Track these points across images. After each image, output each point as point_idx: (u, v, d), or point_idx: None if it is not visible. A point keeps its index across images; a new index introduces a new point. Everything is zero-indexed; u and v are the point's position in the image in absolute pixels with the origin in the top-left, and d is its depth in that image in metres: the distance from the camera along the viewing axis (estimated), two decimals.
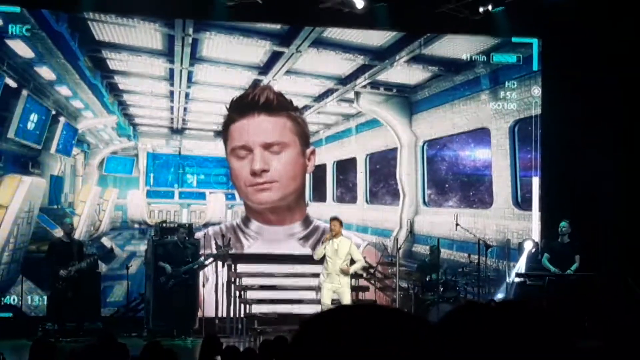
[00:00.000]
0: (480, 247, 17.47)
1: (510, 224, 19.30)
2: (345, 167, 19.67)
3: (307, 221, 18.85)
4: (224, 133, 18.55)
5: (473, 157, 19.89)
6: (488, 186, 19.65)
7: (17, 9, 17.34)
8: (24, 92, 17.43)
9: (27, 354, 8.87)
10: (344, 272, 15.44)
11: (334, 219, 15.93)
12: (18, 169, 17.48)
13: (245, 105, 18.20)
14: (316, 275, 16.07)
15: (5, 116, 17.34)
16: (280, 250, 18.45)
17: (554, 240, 17.31)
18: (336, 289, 15.52)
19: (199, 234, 18.00)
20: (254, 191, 18.29)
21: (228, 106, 18.37)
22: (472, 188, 19.78)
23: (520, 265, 18.26)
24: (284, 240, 18.60)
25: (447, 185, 19.79)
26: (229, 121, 18.32)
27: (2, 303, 17.11)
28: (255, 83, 18.72)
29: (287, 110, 18.53)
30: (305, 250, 18.00)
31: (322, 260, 15.73)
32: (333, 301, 15.52)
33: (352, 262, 15.64)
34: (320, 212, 18.86)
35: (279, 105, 18.35)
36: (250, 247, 18.52)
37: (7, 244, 17.22)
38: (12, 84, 17.32)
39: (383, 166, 19.84)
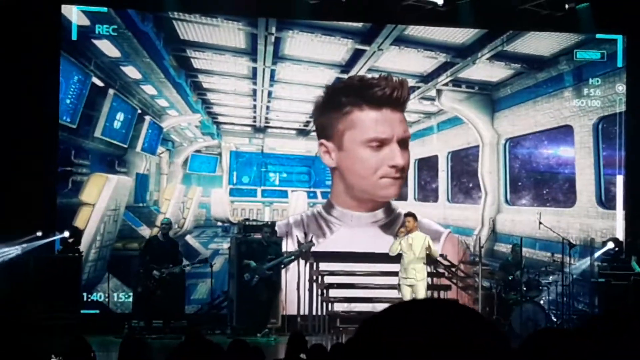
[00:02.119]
0: (564, 246, 17.31)
1: (594, 222, 19.09)
2: (427, 166, 19.59)
3: (389, 209, 18.74)
4: (336, 122, 18.30)
5: (556, 155, 19.69)
6: (571, 184, 19.44)
7: (104, 9, 17.63)
8: (111, 92, 17.71)
9: (114, 350, 8.99)
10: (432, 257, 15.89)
11: (408, 214, 16.03)
12: (105, 167, 17.76)
13: (381, 97, 18.08)
14: (397, 273, 16.11)
15: (92, 115, 17.64)
16: (362, 237, 18.37)
17: (638, 240, 17.09)
18: (411, 283, 15.59)
19: (280, 223, 18.10)
20: (387, 184, 18.19)
21: (340, 89, 18.40)
22: (555, 186, 19.60)
23: (584, 263, 18.17)
24: (366, 227, 18.52)
25: (529, 184, 19.62)
26: (351, 109, 18.19)
27: (90, 300, 17.37)
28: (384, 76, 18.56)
29: (408, 93, 18.58)
30: (387, 238, 17.84)
31: (399, 258, 15.81)
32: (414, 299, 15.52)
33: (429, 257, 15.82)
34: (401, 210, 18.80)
35: (406, 98, 18.40)
36: (333, 234, 18.49)
37: (94, 242, 17.51)
38: (99, 83, 17.63)
39: (465, 164, 19.73)
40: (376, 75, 18.79)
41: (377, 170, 18.12)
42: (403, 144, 18.30)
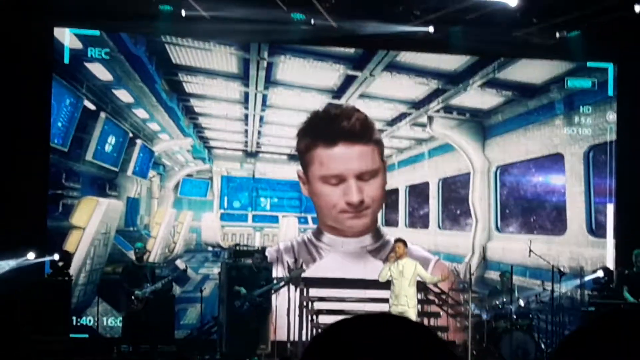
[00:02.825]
0: (554, 275, 17.28)
1: (584, 251, 19.10)
2: (418, 192, 19.60)
3: (378, 234, 18.78)
4: (304, 156, 18.53)
5: (547, 182, 19.72)
6: (562, 212, 19.47)
7: (97, 32, 17.66)
8: (102, 115, 17.72)
9: None
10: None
11: (398, 240, 16.01)
12: (95, 190, 17.73)
13: (333, 132, 18.22)
14: (387, 300, 16.08)
15: (83, 138, 17.63)
16: (352, 262, 18.39)
17: (629, 270, 17.06)
18: (403, 310, 15.52)
19: (270, 249, 18.08)
20: (347, 218, 18.33)
21: (305, 127, 18.42)
22: (546, 214, 19.62)
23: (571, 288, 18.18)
24: (355, 253, 18.54)
25: (520, 211, 19.64)
26: (311, 145, 18.28)
27: (79, 324, 17.29)
28: (333, 106, 18.67)
29: (373, 132, 18.55)
30: (377, 264, 17.83)
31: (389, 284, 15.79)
32: None
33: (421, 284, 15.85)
34: (392, 236, 18.80)
35: (365, 129, 18.40)
36: (322, 260, 18.48)
37: (83, 265, 17.46)
38: (91, 106, 17.63)
39: (455, 191, 19.75)
40: (368, 101, 18.87)
41: (336, 206, 18.32)
42: (364, 177, 18.33)
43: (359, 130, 18.30)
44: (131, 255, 17.30)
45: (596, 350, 1.51)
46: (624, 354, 1.47)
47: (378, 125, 19.04)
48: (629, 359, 1.47)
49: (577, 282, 18.25)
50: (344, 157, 18.18)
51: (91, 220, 17.50)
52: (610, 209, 19.09)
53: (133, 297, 16.02)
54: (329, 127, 18.30)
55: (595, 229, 19.25)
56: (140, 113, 18.15)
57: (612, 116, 19.16)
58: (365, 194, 18.26)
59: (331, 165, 18.16)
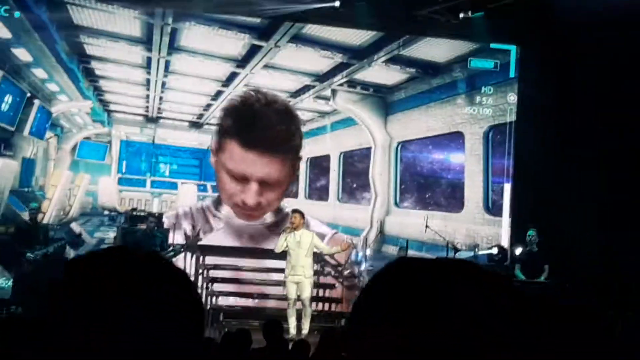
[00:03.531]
0: (449, 250, 17.50)
1: (480, 229, 19.33)
2: (318, 165, 19.66)
3: (278, 209, 18.80)
4: (220, 136, 18.33)
5: (446, 160, 19.93)
6: (460, 190, 19.69)
7: None
8: None
9: None
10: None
11: (295, 211, 16.04)
12: None
13: (253, 136, 18.07)
14: (283, 270, 16.11)
15: None
16: (249, 233, 18.38)
17: (523, 249, 17.33)
18: (299, 280, 15.60)
19: (169, 214, 17.98)
20: (241, 213, 18.28)
21: (232, 110, 18.31)
22: (444, 191, 19.83)
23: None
24: (253, 225, 18.54)
25: (419, 187, 19.81)
26: (229, 133, 18.15)
27: None
28: (264, 101, 18.58)
29: (294, 144, 18.59)
30: (274, 238, 17.88)
31: (284, 255, 15.82)
32: (298, 296, 15.64)
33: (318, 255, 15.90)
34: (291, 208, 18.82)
35: (286, 141, 18.42)
36: (219, 230, 18.41)
37: None
38: None
39: (356, 165, 19.85)
40: (272, 72, 18.85)
41: (232, 197, 18.27)
42: (269, 183, 18.30)
43: (280, 142, 18.28)
44: (25, 216, 17.05)
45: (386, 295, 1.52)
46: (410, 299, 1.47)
47: (282, 96, 19.02)
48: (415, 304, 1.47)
49: (471, 257, 18.46)
50: (254, 162, 18.07)
51: None
52: (507, 188, 19.34)
53: (24, 259, 15.79)
54: (251, 128, 18.14)
55: (492, 208, 19.49)
56: (39, 73, 17.85)
57: (512, 97, 19.37)
58: (264, 197, 18.23)
59: (240, 165, 18.04)
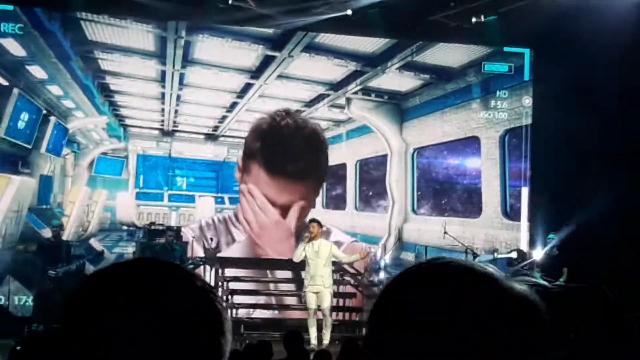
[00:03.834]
0: (468, 256, 17.43)
1: (498, 233, 19.29)
2: (335, 174, 19.65)
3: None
4: (247, 157, 18.58)
5: (463, 165, 19.89)
6: (477, 195, 19.64)
7: (10, 7, 17.32)
8: (15, 91, 17.39)
9: None
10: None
11: (312, 220, 16.02)
12: (7, 168, 17.41)
13: (278, 166, 18.29)
14: (302, 281, 16.11)
15: None
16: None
17: (542, 253, 17.28)
18: (318, 290, 15.56)
19: (192, 226, 18.03)
20: (251, 230, 18.41)
21: (260, 133, 18.48)
22: (462, 197, 19.79)
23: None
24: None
25: (436, 194, 19.78)
26: (256, 157, 18.42)
27: None
28: (292, 129, 18.72)
29: (318, 172, 18.94)
30: (290, 242, 17.96)
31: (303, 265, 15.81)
32: (318, 306, 15.60)
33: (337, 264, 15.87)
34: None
35: (310, 170, 18.75)
36: (241, 241, 18.42)
37: None
38: (4, 82, 17.31)
39: (373, 172, 19.83)
40: (286, 82, 18.88)
41: (251, 222, 18.40)
42: (289, 209, 18.42)
43: (307, 172, 18.54)
44: (44, 233, 17.10)
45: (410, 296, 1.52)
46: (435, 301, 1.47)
47: (296, 106, 19.06)
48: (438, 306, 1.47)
49: (490, 260, 18.40)
50: (280, 190, 18.29)
51: (3, 198, 17.21)
52: (524, 192, 19.29)
53: (46, 276, 15.84)
54: (279, 156, 18.36)
55: (510, 212, 19.44)
56: (55, 90, 17.90)
57: (527, 100, 19.34)
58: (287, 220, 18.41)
59: (264, 190, 18.22)
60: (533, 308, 1.50)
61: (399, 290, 1.53)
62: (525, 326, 1.47)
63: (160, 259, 1.63)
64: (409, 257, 18.96)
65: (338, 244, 17.42)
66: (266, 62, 18.81)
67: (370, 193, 19.80)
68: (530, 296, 1.52)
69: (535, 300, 1.52)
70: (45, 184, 17.84)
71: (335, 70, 19.31)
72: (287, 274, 17.74)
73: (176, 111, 19.01)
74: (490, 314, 1.45)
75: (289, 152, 18.33)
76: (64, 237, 17.19)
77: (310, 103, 19.29)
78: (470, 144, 19.69)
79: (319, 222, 16.00)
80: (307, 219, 17.70)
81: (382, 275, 17.82)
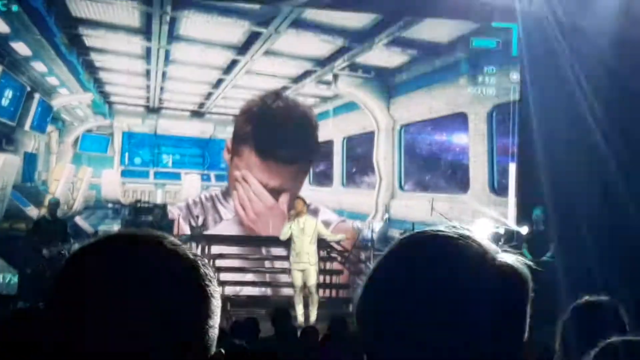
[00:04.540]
0: None
1: (486, 209, 19.24)
2: (322, 150, 19.61)
3: None
4: (236, 139, 18.60)
5: (450, 142, 19.84)
6: (465, 171, 19.60)
7: None
8: None
9: None
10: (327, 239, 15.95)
11: (297, 197, 16.01)
12: None
13: (268, 151, 18.33)
14: (288, 258, 16.09)
15: None
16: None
17: (529, 228, 17.28)
18: (304, 268, 15.56)
19: (180, 204, 18.01)
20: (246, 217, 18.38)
21: (249, 116, 18.42)
22: (449, 173, 19.74)
23: None
24: None
25: (423, 170, 19.73)
26: (245, 141, 18.44)
27: None
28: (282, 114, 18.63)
29: (308, 156, 19.02)
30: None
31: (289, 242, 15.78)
32: (304, 283, 15.61)
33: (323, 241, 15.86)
34: None
35: (300, 154, 18.79)
36: (229, 219, 18.40)
37: None
38: None
39: (360, 149, 19.78)
40: (273, 58, 18.78)
41: (240, 199, 18.42)
42: (278, 191, 18.43)
43: (298, 156, 18.60)
44: (29, 211, 17.00)
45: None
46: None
47: (283, 83, 18.98)
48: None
49: None
50: (270, 172, 18.31)
51: None
52: (512, 168, 19.25)
53: (41, 255, 15.71)
54: (270, 140, 18.33)
55: (498, 188, 19.41)
56: (39, 66, 17.77)
57: (515, 76, 19.26)
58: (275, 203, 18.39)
59: (254, 173, 18.22)
60: (518, 276, 1.56)
61: (392, 261, 1.57)
62: (511, 292, 1.53)
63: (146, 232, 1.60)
64: (396, 233, 18.89)
65: (326, 223, 17.40)
66: (252, 38, 18.67)
67: (357, 170, 19.73)
68: (516, 265, 1.58)
69: (520, 269, 1.58)
70: (30, 161, 17.72)
71: (322, 46, 19.19)
72: (274, 251, 17.70)
73: (162, 88, 18.90)
74: (477, 281, 1.50)
75: (280, 136, 18.29)
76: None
77: (297, 79, 19.20)
78: (458, 120, 19.62)
79: (303, 200, 15.98)
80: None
81: (369, 252, 17.76)
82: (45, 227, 16.21)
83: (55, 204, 16.52)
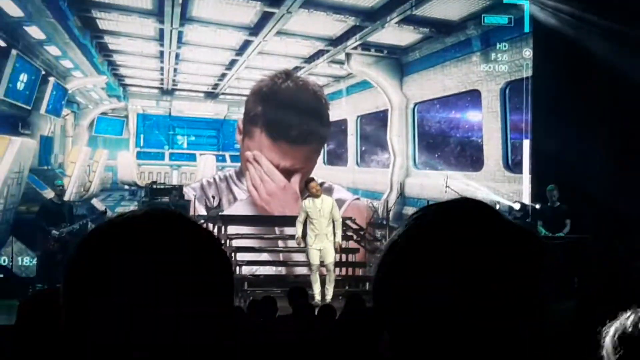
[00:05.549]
0: None
1: (501, 186, 19.27)
2: (336, 129, 19.64)
3: None
4: (247, 119, 18.65)
5: (464, 119, 19.85)
6: (479, 149, 19.61)
7: None
8: (14, 52, 17.26)
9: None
10: (336, 250, 15.57)
11: (309, 181, 15.89)
12: (8, 129, 17.33)
13: (279, 129, 18.37)
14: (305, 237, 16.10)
15: None
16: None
17: (544, 204, 17.28)
18: (322, 247, 15.51)
19: (193, 185, 18.07)
20: (259, 197, 18.44)
21: (260, 95, 18.44)
22: (463, 150, 19.76)
23: None
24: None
25: (436, 147, 19.75)
26: (256, 122, 18.48)
27: None
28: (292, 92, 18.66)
29: (319, 136, 18.91)
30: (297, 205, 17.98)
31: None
32: (322, 261, 15.60)
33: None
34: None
35: (311, 135, 18.73)
36: (243, 199, 18.48)
37: None
38: (2, 43, 17.16)
39: (373, 128, 19.81)
40: (285, 38, 18.80)
41: (252, 179, 18.50)
42: (290, 171, 18.48)
43: (308, 135, 18.50)
44: (46, 194, 17.08)
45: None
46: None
47: (296, 63, 19.01)
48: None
49: None
50: (281, 152, 18.36)
51: (3, 159, 17.15)
52: (526, 144, 19.24)
53: (50, 237, 15.84)
54: (280, 120, 18.35)
55: (512, 165, 19.42)
56: (53, 50, 17.81)
57: (528, 52, 19.23)
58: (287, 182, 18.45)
59: (266, 153, 18.24)
60: (532, 238, 1.52)
61: (406, 236, 1.54)
62: (526, 254, 1.49)
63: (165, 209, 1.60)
64: (411, 211, 18.88)
65: (340, 201, 17.45)
66: (265, 18, 18.67)
67: (372, 148, 19.77)
68: (530, 231, 1.54)
69: (534, 233, 1.55)
70: (46, 144, 17.81)
71: (334, 25, 19.20)
72: (289, 230, 17.73)
73: (175, 70, 18.97)
74: (494, 245, 1.47)
75: (290, 116, 18.32)
76: (66, 198, 17.19)
77: (310, 59, 19.23)
78: (471, 97, 19.62)
79: (315, 181, 15.92)
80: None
81: (384, 230, 17.80)
82: (53, 209, 16.30)
83: (61, 187, 16.58)
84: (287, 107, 18.45)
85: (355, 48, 19.31)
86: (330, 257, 15.62)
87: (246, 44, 18.85)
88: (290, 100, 18.54)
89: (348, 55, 19.32)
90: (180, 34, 18.58)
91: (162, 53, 18.75)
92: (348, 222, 17.56)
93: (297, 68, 18.96)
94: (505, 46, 19.30)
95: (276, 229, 18.15)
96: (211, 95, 19.00)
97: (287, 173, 18.36)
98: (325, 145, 19.49)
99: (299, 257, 17.08)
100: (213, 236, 1.62)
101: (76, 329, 1.49)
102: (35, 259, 16.80)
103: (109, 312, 1.46)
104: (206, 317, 1.51)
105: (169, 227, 1.55)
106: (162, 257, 1.49)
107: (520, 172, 19.29)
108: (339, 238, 15.80)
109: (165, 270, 1.47)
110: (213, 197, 17.81)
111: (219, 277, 1.55)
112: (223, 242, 17.42)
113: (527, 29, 19.24)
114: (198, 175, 18.75)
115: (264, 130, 18.25)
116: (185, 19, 18.44)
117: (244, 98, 18.80)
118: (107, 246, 1.51)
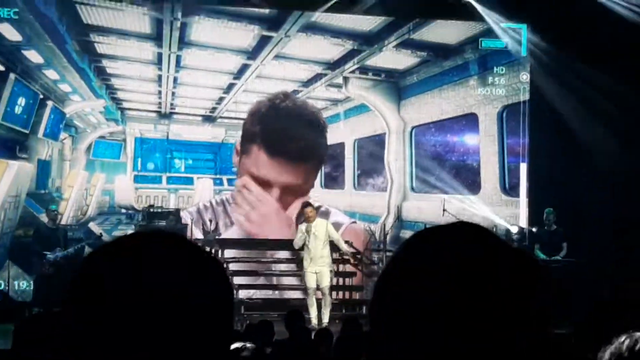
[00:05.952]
0: None
1: (498, 210, 19.27)
2: (333, 153, 19.64)
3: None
4: (245, 139, 18.60)
5: (461, 142, 19.87)
6: (476, 172, 19.61)
7: None
8: (12, 76, 17.31)
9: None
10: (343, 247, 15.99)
11: (305, 205, 15.93)
12: (5, 153, 17.34)
13: (279, 146, 18.30)
14: (301, 261, 16.10)
15: None
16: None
17: (541, 228, 17.29)
18: (319, 270, 15.54)
19: (191, 209, 18.04)
20: (249, 225, 18.43)
21: (259, 116, 18.43)
22: (460, 174, 19.75)
23: None
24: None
25: (434, 171, 19.74)
26: (255, 139, 18.41)
27: None
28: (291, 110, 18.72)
29: (318, 153, 18.91)
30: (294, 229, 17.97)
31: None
32: (317, 285, 15.60)
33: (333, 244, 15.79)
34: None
35: (310, 152, 18.74)
36: (241, 222, 18.47)
37: None
38: (0, 67, 17.22)
39: (371, 151, 19.82)
40: (283, 62, 18.85)
41: (247, 201, 18.40)
42: (288, 190, 18.44)
43: (306, 153, 18.56)
44: (43, 218, 17.06)
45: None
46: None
47: (293, 86, 19.05)
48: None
49: None
50: (279, 170, 18.27)
51: (1, 183, 17.13)
52: (523, 168, 19.26)
53: (44, 261, 15.82)
54: (279, 137, 18.35)
55: (509, 188, 19.42)
56: (51, 74, 17.85)
57: (525, 76, 19.29)
58: (285, 200, 18.41)
59: (263, 171, 18.20)
60: (529, 259, 1.51)
61: (402, 260, 1.54)
62: (523, 275, 1.48)
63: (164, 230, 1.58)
64: (408, 235, 18.82)
65: (337, 225, 17.43)
66: (263, 42, 18.74)
67: (369, 172, 19.77)
68: (526, 252, 1.54)
69: (531, 254, 1.54)
70: (44, 168, 17.81)
71: (332, 49, 19.27)
72: (287, 254, 17.72)
73: (173, 93, 18.99)
74: (490, 265, 1.46)
75: (288, 133, 18.33)
76: (63, 222, 17.20)
77: (308, 83, 19.27)
78: (469, 120, 19.65)
79: (311, 205, 15.95)
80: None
81: (381, 253, 17.79)
82: (46, 234, 16.29)
83: (54, 212, 16.58)
84: (286, 124, 18.47)
85: (353, 72, 19.36)
86: (326, 281, 15.63)
87: (244, 68, 18.90)
88: (288, 118, 18.58)
89: (346, 79, 19.37)
90: (178, 57, 18.63)
91: (160, 77, 18.79)
92: (344, 245, 17.53)
93: (295, 91, 19.00)
94: (502, 70, 19.36)
95: (272, 252, 18.09)
96: (209, 118, 19.02)
97: (284, 191, 18.30)
98: (323, 169, 19.48)
99: (295, 281, 17.06)
100: (217, 260, 1.61)
101: (78, 349, 1.46)
102: (32, 283, 16.76)
103: (111, 333, 1.44)
104: (208, 340, 1.49)
105: (174, 248, 1.53)
106: (167, 279, 1.47)
107: (517, 195, 19.31)
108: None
109: (170, 294, 1.45)
110: (210, 221, 17.78)
111: (222, 301, 1.53)
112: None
113: (524, 52, 19.30)
114: (195, 198, 18.73)
115: (261, 146, 18.23)
116: (183, 42, 18.51)
117: (242, 122, 18.81)
118: (113, 266, 1.49)
